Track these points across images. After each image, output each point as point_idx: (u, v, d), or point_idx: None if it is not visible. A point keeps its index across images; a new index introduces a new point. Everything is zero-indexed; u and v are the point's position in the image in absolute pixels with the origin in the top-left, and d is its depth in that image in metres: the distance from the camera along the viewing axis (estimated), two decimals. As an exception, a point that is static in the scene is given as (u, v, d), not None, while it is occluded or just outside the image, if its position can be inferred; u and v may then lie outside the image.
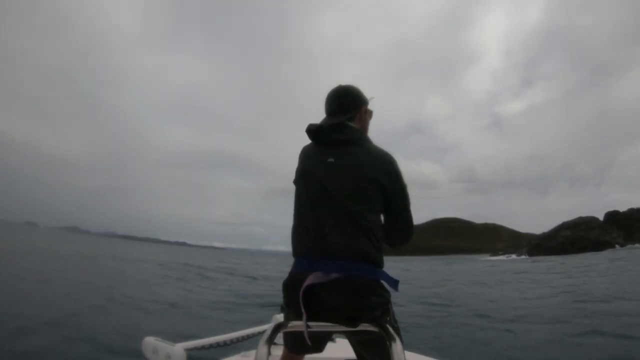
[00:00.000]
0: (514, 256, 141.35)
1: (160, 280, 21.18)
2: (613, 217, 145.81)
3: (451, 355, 7.91)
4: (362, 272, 1.92)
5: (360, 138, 2.20)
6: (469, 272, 43.45)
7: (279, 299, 2.18)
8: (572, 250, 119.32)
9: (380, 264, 2.01)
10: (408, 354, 2.01)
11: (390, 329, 1.81)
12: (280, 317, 2.55)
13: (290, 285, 2.01)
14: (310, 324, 1.86)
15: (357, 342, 2.09)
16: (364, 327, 1.86)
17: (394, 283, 2.04)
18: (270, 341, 1.84)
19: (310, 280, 1.86)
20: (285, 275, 2.12)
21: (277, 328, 1.90)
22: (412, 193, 2.20)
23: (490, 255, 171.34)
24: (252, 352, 3.32)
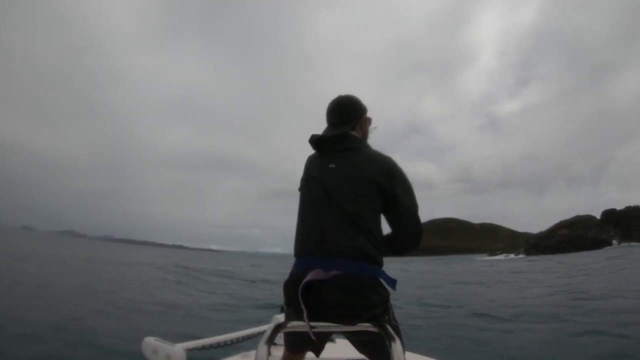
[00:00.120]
0: (512, 255, 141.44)
1: (159, 283, 21.17)
2: (610, 215, 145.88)
3: (451, 355, 7.92)
4: (362, 270, 1.96)
5: (360, 145, 2.26)
6: (467, 272, 43.49)
7: (278, 301, 2.20)
8: (570, 249, 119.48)
9: (379, 263, 2.05)
10: (408, 354, 2.03)
11: (390, 329, 1.83)
12: (280, 317, 2.57)
13: (291, 284, 2.04)
14: (312, 323, 1.88)
15: (357, 342, 2.11)
16: (364, 327, 1.88)
17: (392, 282, 2.08)
18: (270, 341, 1.85)
19: (309, 276, 1.90)
20: (284, 277, 2.16)
21: (277, 328, 1.91)
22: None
23: (488, 255, 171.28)
24: (252, 353, 3.34)
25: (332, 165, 2.17)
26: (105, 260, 36.58)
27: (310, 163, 2.34)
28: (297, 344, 2.24)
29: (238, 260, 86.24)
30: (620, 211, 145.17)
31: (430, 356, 3.61)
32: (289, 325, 1.95)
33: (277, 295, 2.10)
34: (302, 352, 2.32)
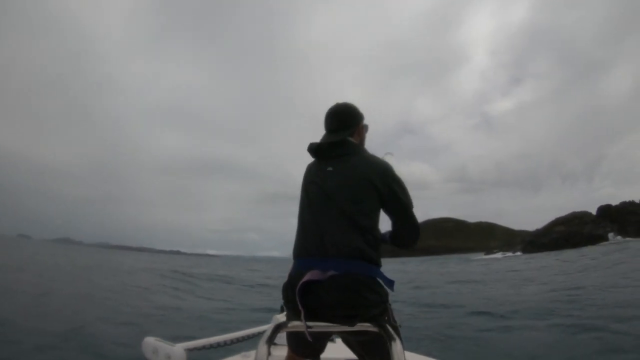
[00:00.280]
0: (509, 254, 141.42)
1: (158, 288, 21.24)
2: (606, 211, 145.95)
3: (451, 355, 7.94)
4: (359, 270, 1.99)
5: (358, 150, 2.34)
6: (464, 272, 43.55)
7: (277, 305, 2.21)
8: (566, 245, 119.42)
9: (377, 263, 2.09)
10: (408, 354, 2.04)
11: (390, 329, 1.84)
12: (280, 317, 2.58)
13: (289, 285, 2.08)
14: (310, 323, 1.90)
15: (357, 342, 2.14)
16: (364, 327, 1.90)
17: (390, 283, 2.12)
18: (271, 341, 1.87)
19: (307, 277, 1.92)
20: (282, 281, 2.20)
21: (277, 328, 1.94)
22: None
23: (485, 254, 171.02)
24: (252, 353, 3.35)
25: (330, 168, 2.24)
26: (103, 267, 36.43)
27: (310, 169, 2.40)
28: (299, 344, 2.27)
29: (235, 264, 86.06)
30: (616, 206, 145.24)
31: (430, 356, 3.62)
32: (289, 325, 1.98)
33: (276, 299, 2.12)
34: (305, 353, 2.35)
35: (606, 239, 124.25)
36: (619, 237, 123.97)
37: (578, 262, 40.13)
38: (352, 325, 1.92)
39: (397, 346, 1.76)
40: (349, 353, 2.30)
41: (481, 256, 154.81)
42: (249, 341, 3.17)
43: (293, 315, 2.07)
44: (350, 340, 2.19)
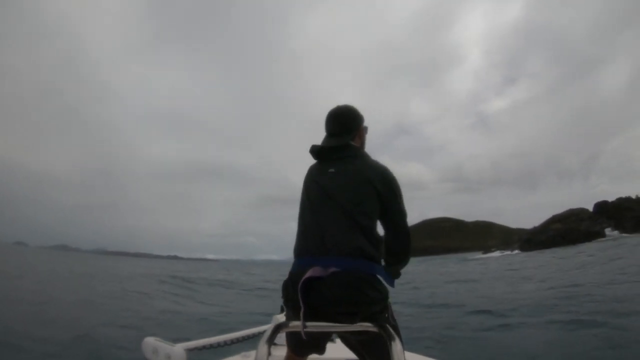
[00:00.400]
0: (507, 252, 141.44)
1: (158, 294, 21.17)
2: (602, 207, 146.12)
3: (451, 355, 7.94)
4: (360, 267, 2.01)
5: (359, 153, 2.37)
6: (462, 271, 43.56)
7: (275, 307, 2.22)
8: (563, 242, 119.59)
9: (377, 261, 2.11)
10: (408, 354, 2.05)
11: (390, 329, 1.85)
12: (280, 317, 2.59)
13: (290, 283, 2.09)
14: (309, 324, 1.90)
15: (357, 341, 2.14)
16: (364, 327, 1.91)
17: (391, 280, 2.17)
18: (271, 341, 1.87)
19: (309, 274, 1.94)
20: (281, 284, 2.21)
21: (278, 328, 1.94)
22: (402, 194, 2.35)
23: (483, 253, 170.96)
24: (253, 353, 3.36)
25: (332, 170, 2.27)
26: (102, 273, 36.27)
27: (311, 170, 2.43)
28: (298, 343, 2.27)
29: (234, 268, 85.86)
30: (612, 203, 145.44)
31: (431, 356, 3.63)
32: (289, 325, 1.98)
33: (276, 303, 2.12)
34: (305, 353, 2.36)
35: (603, 235, 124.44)
36: (615, 233, 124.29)
37: (575, 258, 40.24)
38: (353, 322, 1.93)
39: (397, 346, 1.76)
40: (349, 353, 2.30)
41: (479, 255, 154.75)
42: (249, 341, 3.18)
43: (293, 313, 2.07)
44: (350, 339, 2.19)
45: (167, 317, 12.61)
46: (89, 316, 11.76)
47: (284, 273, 2.23)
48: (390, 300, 2.15)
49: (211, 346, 2.81)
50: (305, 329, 1.90)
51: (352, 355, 2.27)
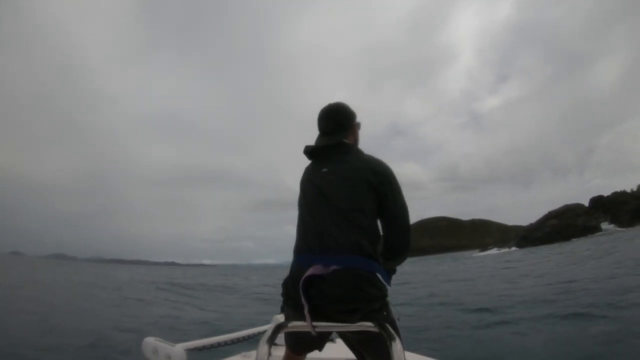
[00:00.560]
0: (504, 249, 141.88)
1: (157, 300, 21.21)
2: (598, 202, 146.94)
3: (451, 354, 7.94)
4: (360, 265, 2.01)
5: (353, 150, 2.37)
6: (460, 270, 43.60)
7: (275, 309, 2.21)
8: (560, 238, 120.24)
9: (376, 258, 2.10)
10: (408, 354, 2.05)
11: (390, 328, 1.85)
12: (280, 318, 2.58)
13: (290, 281, 2.09)
14: (315, 323, 1.91)
15: (357, 340, 2.13)
16: (365, 327, 1.90)
17: (388, 277, 2.17)
18: (271, 341, 1.86)
19: (310, 272, 1.94)
20: (279, 287, 2.22)
21: (278, 328, 1.93)
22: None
23: (480, 251, 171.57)
24: (253, 353, 3.36)
25: (325, 169, 2.26)
26: (100, 281, 36.17)
27: (306, 172, 2.42)
28: (298, 343, 2.28)
29: (231, 273, 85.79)
30: (608, 197, 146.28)
31: (431, 356, 3.62)
32: (289, 325, 1.97)
33: (275, 306, 2.12)
34: (303, 352, 2.36)
35: (600, 230, 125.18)
36: (612, 227, 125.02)
37: (572, 254, 40.37)
38: (353, 320, 1.93)
39: (397, 346, 1.76)
40: (349, 353, 2.30)
41: (476, 253, 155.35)
42: (249, 341, 3.17)
43: (293, 311, 2.07)
44: (350, 338, 2.18)
45: (167, 322, 12.69)
46: (91, 324, 11.72)
47: (282, 276, 2.22)
48: (389, 298, 2.14)
49: (211, 346, 2.80)
50: (311, 323, 1.90)
51: (351, 355, 2.27)
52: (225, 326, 11.95)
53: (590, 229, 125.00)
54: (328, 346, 2.38)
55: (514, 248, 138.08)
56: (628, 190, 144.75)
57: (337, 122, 2.41)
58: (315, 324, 1.91)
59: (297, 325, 1.95)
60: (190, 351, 2.55)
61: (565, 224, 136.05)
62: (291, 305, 2.10)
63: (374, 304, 1.99)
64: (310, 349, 2.32)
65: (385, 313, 2.06)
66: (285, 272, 2.21)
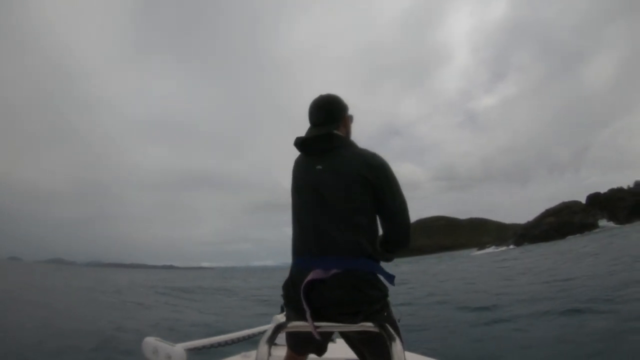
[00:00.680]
0: (502, 248, 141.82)
1: (157, 304, 21.20)
2: (595, 199, 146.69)
3: (451, 354, 7.94)
4: (360, 266, 2.00)
5: (345, 143, 2.30)
6: (457, 269, 43.56)
7: (274, 311, 2.22)
8: (557, 235, 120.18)
9: (376, 259, 2.10)
10: (408, 354, 2.05)
11: (390, 329, 1.86)
12: (280, 317, 2.59)
13: (291, 284, 2.09)
14: (315, 324, 1.92)
15: (359, 340, 2.13)
16: (366, 327, 1.91)
17: (390, 278, 2.13)
18: (271, 341, 1.87)
19: (311, 276, 1.93)
20: (278, 289, 2.22)
21: (278, 328, 1.94)
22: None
23: (478, 250, 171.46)
24: (253, 353, 3.36)
25: (319, 167, 2.21)
26: (99, 285, 36.02)
27: (298, 166, 2.37)
28: (299, 344, 2.28)
29: (230, 276, 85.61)
30: (605, 194, 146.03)
31: (431, 356, 3.63)
32: (289, 325, 1.99)
33: (274, 307, 2.13)
34: (305, 353, 2.35)
35: (597, 227, 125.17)
36: (609, 224, 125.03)
37: (569, 251, 40.39)
38: (355, 322, 1.93)
39: (397, 346, 1.76)
40: (349, 353, 2.31)
41: (474, 252, 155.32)
42: (249, 341, 3.17)
43: (294, 314, 2.08)
44: (352, 338, 2.18)
45: (167, 324, 12.75)
46: (93, 327, 11.72)
47: (280, 278, 2.23)
48: (390, 298, 2.14)
49: (211, 346, 2.80)
50: (314, 326, 1.91)
51: (351, 355, 2.28)
52: (224, 328, 11.96)
53: (587, 226, 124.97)
54: (329, 346, 2.38)
55: (511, 246, 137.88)
56: (625, 186, 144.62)
57: (329, 113, 2.35)
58: (317, 324, 1.92)
59: (297, 325, 1.96)
60: (190, 351, 2.55)
61: (562, 222, 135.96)
62: (292, 308, 2.11)
63: (375, 305, 1.99)
64: (312, 351, 2.32)
65: (385, 313, 2.06)
66: (284, 274, 2.21)
